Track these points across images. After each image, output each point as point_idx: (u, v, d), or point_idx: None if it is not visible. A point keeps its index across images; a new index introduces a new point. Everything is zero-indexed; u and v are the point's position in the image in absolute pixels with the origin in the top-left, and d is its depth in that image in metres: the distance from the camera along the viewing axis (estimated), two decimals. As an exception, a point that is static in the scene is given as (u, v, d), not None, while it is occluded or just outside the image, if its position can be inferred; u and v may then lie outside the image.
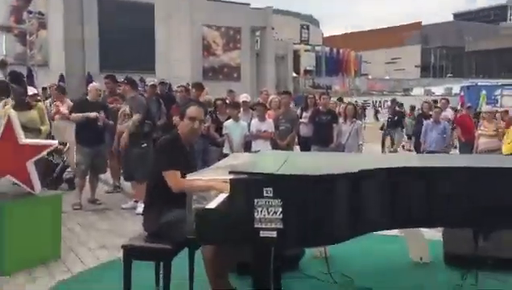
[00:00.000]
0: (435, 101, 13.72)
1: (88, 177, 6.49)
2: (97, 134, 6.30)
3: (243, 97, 7.90)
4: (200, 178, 3.00)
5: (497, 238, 3.89)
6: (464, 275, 3.48)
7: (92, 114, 6.19)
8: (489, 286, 3.51)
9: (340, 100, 14.18)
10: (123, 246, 3.11)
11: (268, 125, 7.00)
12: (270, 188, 2.37)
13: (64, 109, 7.47)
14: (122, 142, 5.95)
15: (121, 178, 7.01)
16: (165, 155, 3.19)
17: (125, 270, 3.07)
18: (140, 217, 5.37)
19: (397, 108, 15.18)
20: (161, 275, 3.20)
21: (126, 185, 6.99)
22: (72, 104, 7.38)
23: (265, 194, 2.38)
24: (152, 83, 7.08)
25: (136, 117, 5.93)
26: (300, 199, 2.41)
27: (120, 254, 4.14)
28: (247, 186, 2.42)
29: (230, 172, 2.50)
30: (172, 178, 3.09)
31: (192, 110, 3.30)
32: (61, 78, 19.42)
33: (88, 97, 6.52)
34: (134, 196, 6.28)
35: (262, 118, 6.99)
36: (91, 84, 6.90)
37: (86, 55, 24.63)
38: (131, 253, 3.07)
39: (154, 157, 3.35)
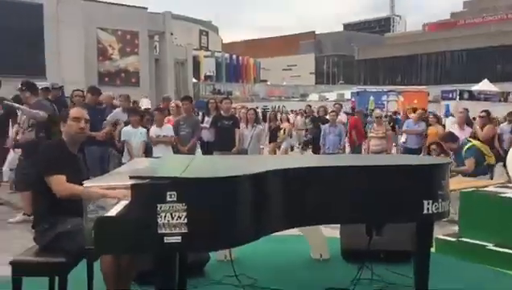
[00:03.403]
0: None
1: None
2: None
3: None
4: (97, 185, 2.86)
5: (387, 231, 4.16)
6: (360, 269, 3.67)
7: None
8: (382, 277, 3.74)
9: None
10: (11, 263, 2.85)
11: (167, 130, 6.92)
12: (174, 192, 2.31)
13: None
14: None
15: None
16: (47, 160, 3.04)
17: (14, 289, 2.81)
18: (30, 231, 5.01)
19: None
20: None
21: (10, 197, 6.47)
22: None
23: (168, 199, 2.31)
24: (45, 86, 6.62)
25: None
26: (204, 202, 2.38)
27: (7, 272, 3.82)
28: (149, 191, 2.34)
29: (131, 177, 2.40)
30: (56, 183, 2.94)
31: (74, 111, 3.26)
32: None
33: None
34: (24, 209, 5.81)
35: (160, 124, 6.89)
36: None
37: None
38: (21, 269, 2.82)
39: (37, 165, 3.15)
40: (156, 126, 6.89)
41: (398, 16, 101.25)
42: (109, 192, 2.71)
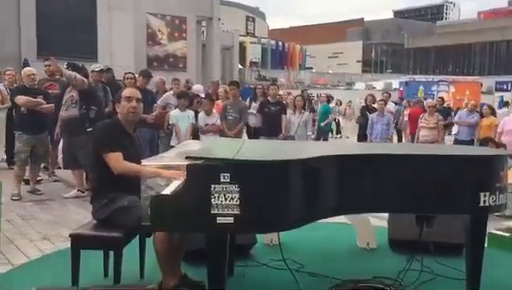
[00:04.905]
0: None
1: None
2: (39, 121, 5.99)
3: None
4: (154, 164, 2.94)
5: (438, 223, 4.06)
6: (409, 260, 3.61)
7: (39, 100, 5.92)
8: (432, 269, 3.66)
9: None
10: (71, 235, 2.99)
11: (215, 118, 7.01)
12: (228, 174, 2.35)
13: None
14: None
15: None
16: (104, 137, 3.14)
17: (73, 260, 2.95)
18: (83, 206, 5.24)
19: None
20: (110, 265, 3.12)
21: (66, 174, 6.76)
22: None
23: (222, 180, 2.35)
24: (100, 68, 6.82)
25: None
26: (257, 185, 2.40)
27: (64, 245, 4.02)
28: (204, 171, 2.39)
29: (187, 158, 2.46)
30: (114, 160, 3.03)
31: (127, 91, 3.34)
32: (-6, 64, 18.33)
33: (25, 84, 6.19)
34: (77, 185, 6.07)
35: (209, 112, 6.98)
36: (23, 70, 6.54)
37: (22, 40, 23.36)
38: (80, 242, 2.95)
39: (94, 142, 3.25)
40: (204, 114, 6.98)
41: (451, 3, 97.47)
42: (165, 171, 2.78)
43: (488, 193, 2.89)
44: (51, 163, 7.16)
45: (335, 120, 18.61)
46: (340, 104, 19.74)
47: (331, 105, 18.23)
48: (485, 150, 4.60)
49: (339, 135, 18.48)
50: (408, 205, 2.96)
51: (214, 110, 7.15)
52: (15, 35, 23.04)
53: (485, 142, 6.57)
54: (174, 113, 6.90)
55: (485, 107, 8.96)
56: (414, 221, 4.02)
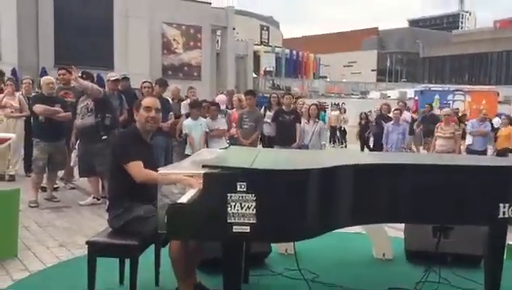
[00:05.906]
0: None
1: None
2: (57, 129, 6.07)
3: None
4: (173, 172, 2.95)
5: (455, 234, 4.02)
6: (427, 271, 3.57)
7: (57, 109, 6.01)
8: (450, 281, 3.61)
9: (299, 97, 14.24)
10: (88, 243, 3.00)
11: (220, 123, 7.07)
12: (244, 183, 2.35)
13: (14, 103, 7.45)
14: None
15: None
16: (124, 147, 3.15)
17: (89, 267, 2.96)
18: (99, 213, 5.27)
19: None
20: (125, 273, 3.13)
21: (82, 181, 6.81)
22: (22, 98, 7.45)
23: (238, 188, 2.35)
24: (116, 78, 6.90)
25: None
26: (274, 194, 2.40)
27: (80, 252, 4.05)
28: (221, 180, 2.39)
29: (204, 166, 2.46)
30: (135, 168, 3.04)
31: (146, 100, 3.33)
32: (13, 72, 18.66)
33: (43, 92, 6.28)
34: (94, 193, 6.13)
35: (214, 117, 7.04)
36: (43, 78, 6.65)
37: (40, 48, 23.79)
38: (96, 249, 2.97)
39: (113, 151, 3.26)
40: (210, 119, 7.03)
41: (467, 12, 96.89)
42: (184, 177, 2.78)
43: (508, 205, 2.85)
44: (67, 172, 7.20)
45: (340, 128, 18.60)
46: (345, 112, 19.69)
47: (334, 113, 18.35)
48: (505, 160, 4.54)
49: (343, 145, 18.39)
50: (426, 215, 2.92)
51: (219, 116, 7.20)
52: (33, 45, 23.48)
53: (503, 153, 6.46)
54: (187, 123, 6.94)
55: (503, 117, 8.86)
56: (431, 231, 4.01)
